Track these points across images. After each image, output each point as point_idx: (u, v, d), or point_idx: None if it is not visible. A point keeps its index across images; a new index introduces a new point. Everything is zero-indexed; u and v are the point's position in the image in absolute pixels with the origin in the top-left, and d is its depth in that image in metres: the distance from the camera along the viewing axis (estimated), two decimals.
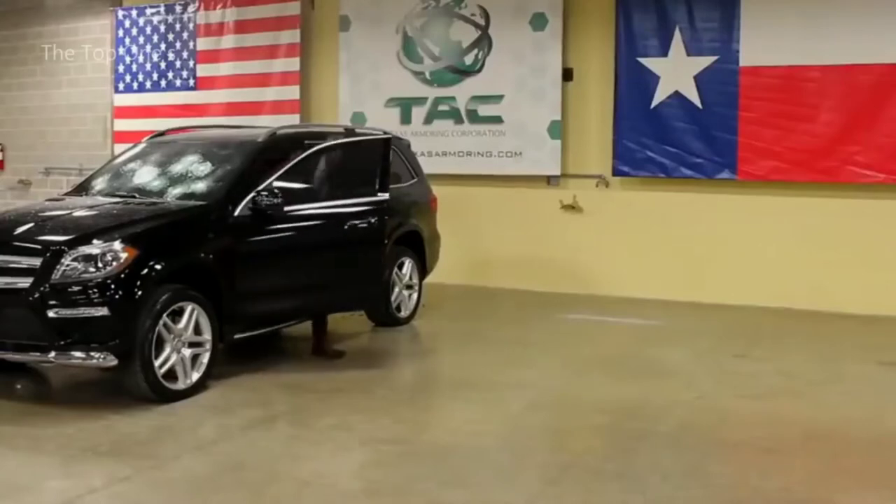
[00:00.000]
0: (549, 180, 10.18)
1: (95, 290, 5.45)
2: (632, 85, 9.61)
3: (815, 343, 7.72)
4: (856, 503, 4.36)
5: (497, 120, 10.25)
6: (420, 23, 10.70)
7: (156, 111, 12.13)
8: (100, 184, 7.17)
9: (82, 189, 7.24)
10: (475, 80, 10.42)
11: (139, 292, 5.57)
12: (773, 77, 9.04)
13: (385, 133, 8.76)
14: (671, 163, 9.51)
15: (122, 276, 5.53)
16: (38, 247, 5.65)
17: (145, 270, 5.64)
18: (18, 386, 6.38)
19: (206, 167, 6.91)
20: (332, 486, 4.46)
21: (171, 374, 5.77)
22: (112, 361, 5.51)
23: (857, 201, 8.93)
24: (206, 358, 5.99)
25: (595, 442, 5.27)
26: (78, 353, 5.50)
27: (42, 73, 13.21)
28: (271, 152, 6.91)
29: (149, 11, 12.29)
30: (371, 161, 7.98)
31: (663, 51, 9.47)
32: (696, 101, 9.34)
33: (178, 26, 12.10)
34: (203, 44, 11.90)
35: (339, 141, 7.81)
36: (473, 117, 10.41)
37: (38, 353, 5.58)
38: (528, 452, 4.94)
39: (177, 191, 6.71)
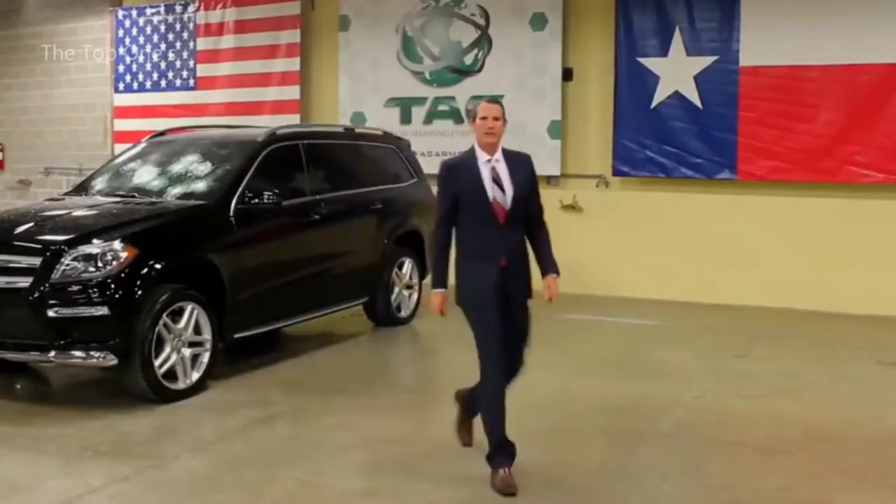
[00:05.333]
0: (549, 180, 10.17)
1: (95, 290, 5.46)
2: (632, 85, 9.61)
3: (815, 343, 7.71)
4: (856, 503, 4.36)
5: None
6: (420, 23, 10.69)
7: (156, 111, 12.13)
8: (100, 183, 7.18)
9: (82, 189, 7.24)
10: (475, 80, 10.41)
11: (139, 292, 5.57)
12: (773, 77, 9.04)
13: (387, 133, 8.81)
14: (671, 163, 9.51)
15: (122, 275, 5.53)
16: (38, 246, 5.66)
17: (145, 270, 5.64)
18: (18, 386, 6.38)
19: (205, 167, 6.92)
20: (332, 486, 4.46)
21: (171, 374, 5.78)
22: (112, 361, 5.52)
23: (856, 201, 8.92)
24: (206, 358, 6.00)
25: (595, 442, 5.27)
26: (78, 353, 5.51)
27: (42, 73, 13.20)
28: (271, 152, 6.91)
29: (149, 11, 12.29)
30: (370, 159, 8.02)
31: (663, 51, 9.47)
32: (696, 101, 9.34)
33: (178, 26, 12.10)
34: (203, 44, 11.89)
35: (338, 141, 7.85)
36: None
37: (38, 353, 5.58)
38: (528, 452, 4.93)
39: (176, 190, 6.71)
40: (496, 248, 4.49)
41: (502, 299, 4.50)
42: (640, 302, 9.39)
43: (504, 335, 4.50)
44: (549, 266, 4.80)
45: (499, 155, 4.57)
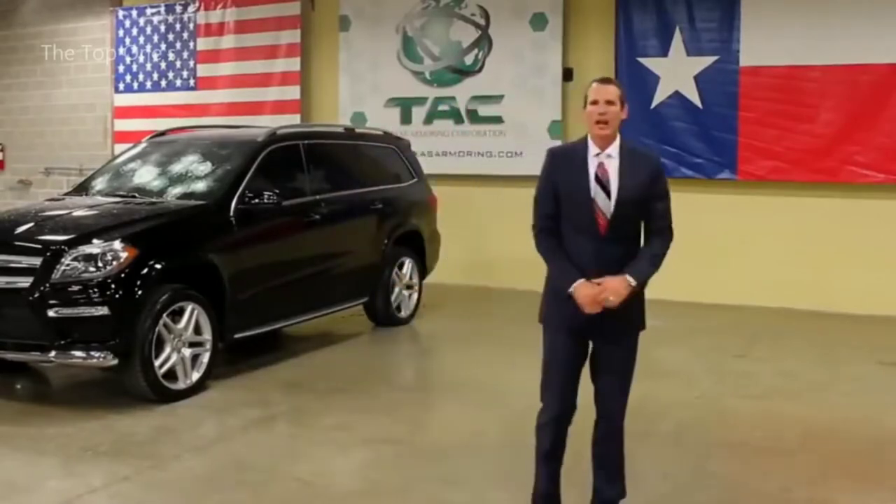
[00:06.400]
0: None
1: (95, 290, 5.46)
2: (632, 85, 9.57)
3: (815, 343, 7.71)
4: (856, 503, 4.36)
5: (497, 120, 10.24)
6: (420, 23, 10.69)
7: (156, 111, 12.14)
8: (100, 183, 7.18)
9: (82, 189, 7.25)
10: (475, 80, 10.41)
11: (139, 292, 5.57)
12: (773, 77, 9.04)
13: (387, 133, 8.83)
14: (671, 163, 9.49)
15: (122, 275, 5.53)
16: (39, 246, 5.66)
17: (145, 270, 5.64)
18: (18, 386, 6.38)
19: (205, 167, 6.92)
20: (332, 486, 4.46)
21: (171, 374, 5.78)
22: (112, 361, 5.52)
23: (856, 201, 8.92)
24: (206, 358, 6.00)
25: None
26: (78, 353, 5.51)
27: (42, 73, 13.21)
28: (271, 152, 6.92)
29: (149, 11, 12.29)
30: (370, 159, 8.01)
31: (663, 51, 9.47)
32: (696, 101, 9.33)
33: (178, 26, 12.10)
34: (203, 44, 11.89)
35: (338, 141, 7.86)
36: (473, 117, 10.40)
37: (39, 353, 5.58)
38: (528, 452, 4.92)
39: (177, 190, 6.71)
40: (589, 266, 3.62)
41: (592, 330, 3.75)
42: None
43: (597, 379, 3.84)
44: (630, 268, 3.72)
45: (613, 150, 3.60)
